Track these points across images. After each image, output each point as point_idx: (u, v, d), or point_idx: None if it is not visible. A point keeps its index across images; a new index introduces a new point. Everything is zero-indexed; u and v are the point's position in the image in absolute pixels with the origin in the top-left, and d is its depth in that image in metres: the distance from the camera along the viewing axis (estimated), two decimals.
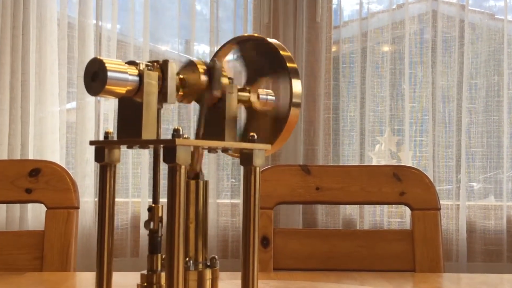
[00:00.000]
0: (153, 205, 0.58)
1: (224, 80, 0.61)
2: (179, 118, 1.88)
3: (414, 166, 1.44)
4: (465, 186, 1.79)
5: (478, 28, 1.86)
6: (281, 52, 0.63)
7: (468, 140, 1.83)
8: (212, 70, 0.60)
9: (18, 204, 1.74)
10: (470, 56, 1.84)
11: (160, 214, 0.58)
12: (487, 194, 1.84)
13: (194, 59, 0.60)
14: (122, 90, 0.54)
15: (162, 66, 0.56)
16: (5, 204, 1.73)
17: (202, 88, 0.60)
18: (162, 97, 0.56)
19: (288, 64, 0.63)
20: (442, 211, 1.77)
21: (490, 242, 1.79)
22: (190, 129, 1.83)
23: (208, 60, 0.61)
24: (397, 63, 1.87)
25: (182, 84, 0.59)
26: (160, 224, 0.58)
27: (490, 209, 1.80)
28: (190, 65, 0.60)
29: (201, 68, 0.59)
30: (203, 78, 0.59)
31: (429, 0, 1.86)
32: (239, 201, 1.84)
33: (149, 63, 0.56)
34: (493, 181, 1.83)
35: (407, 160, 1.83)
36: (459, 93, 1.83)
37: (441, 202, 1.26)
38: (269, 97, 0.65)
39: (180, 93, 0.59)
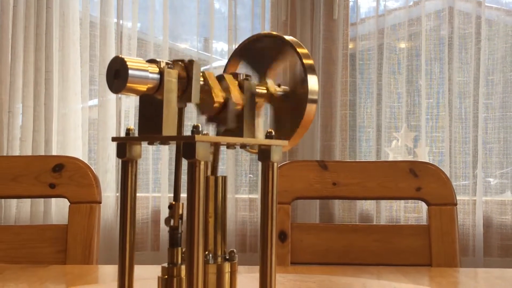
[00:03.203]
0: (173, 202, 0.58)
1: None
2: (198, 115, 1.89)
3: (431, 162, 1.45)
4: (481, 182, 1.79)
5: (495, 25, 1.85)
6: (298, 49, 0.63)
7: (485, 135, 1.82)
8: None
9: (42, 199, 1.77)
10: (487, 53, 1.83)
11: (180, 212, 0.58)
12: (503, 190, 1.83)
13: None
14: (143, 87, 0.54)
15: (187, 66, 0.57)
16: (29, 199, 1.77)
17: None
18: (186, 96, 0.57)
19: (304, 61, 0.62)
20: (459, 207, 1.77)
21: (506, 237, 1.78)
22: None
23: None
24: (413, 59, 1.87)
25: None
26: (180, 221, 0.58)
27: (506, 204, 1.80)
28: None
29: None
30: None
31: None
32: (257, 196, 1.85)
33: (169, 62, 0.56)
34: (510, 176, 1.83)
35: (423, 155, 1.83)
36: (476, 89, 1.83)
37: (458, 197, 1.26)
38: (283, 87, 0.65)
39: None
